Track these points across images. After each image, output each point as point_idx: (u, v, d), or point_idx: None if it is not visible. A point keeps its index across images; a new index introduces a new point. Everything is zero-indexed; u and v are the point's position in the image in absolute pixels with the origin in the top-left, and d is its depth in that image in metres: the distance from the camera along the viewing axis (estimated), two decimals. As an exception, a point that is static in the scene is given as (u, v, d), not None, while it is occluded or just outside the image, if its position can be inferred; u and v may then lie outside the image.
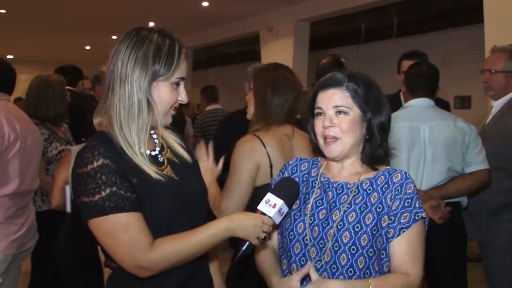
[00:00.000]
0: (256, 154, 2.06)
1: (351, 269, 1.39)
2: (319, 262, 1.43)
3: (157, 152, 1.44)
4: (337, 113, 1.45)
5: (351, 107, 1.45)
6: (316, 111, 1.50)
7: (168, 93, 1.38)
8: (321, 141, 1.49)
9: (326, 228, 1.44)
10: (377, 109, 1.46)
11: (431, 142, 2.54)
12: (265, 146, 2.07)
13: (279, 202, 1.38)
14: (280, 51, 8.06)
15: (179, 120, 3.90)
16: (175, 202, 1.38)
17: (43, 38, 10.51)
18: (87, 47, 11.67)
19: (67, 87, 4.07)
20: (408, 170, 2.52)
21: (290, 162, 1.63)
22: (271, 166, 2.07)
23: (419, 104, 2.63)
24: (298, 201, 1.53)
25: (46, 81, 3.16)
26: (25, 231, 2.70)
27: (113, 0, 7.21)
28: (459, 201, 2.64)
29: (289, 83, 2.19)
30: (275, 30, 8.06)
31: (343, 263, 1.40)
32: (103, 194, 1.26)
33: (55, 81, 3.19)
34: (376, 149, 1.47)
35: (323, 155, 1.55)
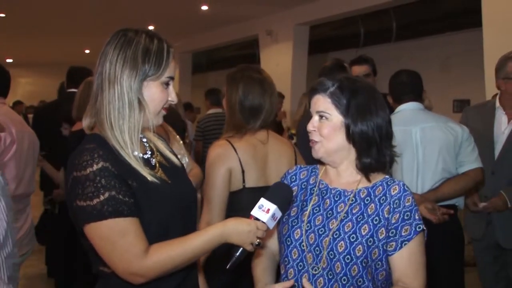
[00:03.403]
0: (227, 159, 2.02)
1: (344, 277, 1.41)
2: (316, 268, 1.44)
3: (149, 155, 1.43)
4: (320, 117, 1.49)
5: (332, 113, 1.46)
6: (310, 114, 1.54)
7: (158, 93, 1.37)
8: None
9: (322, 235, 1.45)
10: (360, 117, 1.45)
11: (423, 144, 2.54)
12: (236, 151, 2.03)
13: (273, 207, 1.37)
14: (279, 55, 8.07)
15: (178, 123, 3.87)
16: (171, 205, 1.37)
17: (43, 41, 10.53)
18: (87, 51, 11.69)
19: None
20: (402, 174, 2.52)
21: (290, 171, 1.65)
22: (242, 171, 2.04)
23: (409, 108, 2.65)
24: (296, 208, 1.54)
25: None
26: (22, 235, 2.69)
27: (113, 4, 7.23)
28: (455, 203, 2.62)
29: (259, 86, 2.10)
30: (275, 34, 8.07)
31: (337, 271, 1.41)
32: (102, 198, 1.23)
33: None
34: (361, 157, 1.47)
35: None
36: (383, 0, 6.21)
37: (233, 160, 2.02)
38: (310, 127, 1.49)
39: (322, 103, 1.48)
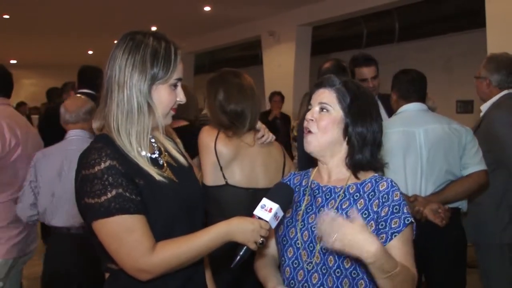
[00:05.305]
0: (211, 153, 2.09)
1: (338, 269, 1.44)
2: (309, 264, 1.48)
3: (157, 155, 1.46)
4: (321, 109, 1.52)
5: (334, 107, 1.50)
6: (309, 107, 1.57)
7: (167, 95, 1.40)
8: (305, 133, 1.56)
9: (315, 231, 1.48)
10: (359, 118, 1.49)
11: (427, 146, 2.52)
12: (216, 146, 2.07)
13: (275, 206, 1.41)
14: (282, 56, 8.08)
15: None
16: (178, 203, 1.40)
17: (46, 43, 10.56)
18: (90, 52, 11.71)
19: (88, 91, 3.67)
20: (405, 176, 2.51)
21: (285, 178, 1.70)
22: (220, 167, 2.09)
23: (412, 109, 2.64)
24: (290, 209, 1.58)
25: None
26: (26, 234, 2.71)
27: (116, 5, 7.25)
28: (458, 206, 2.61)
29: (238, 91, 2.13)
30: (277, 35, 8.08)
31: (330, 264, 1.45)
32: (109, 195, 1.27)
33: (190, 87, 3.26)
34: (354, 154, 1.50)
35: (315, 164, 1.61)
36: (386, 1, 6.20)
37: (213, 154, 2.09)
38: (309, 116, 1.52)
39: (327, 95, 1.52)
